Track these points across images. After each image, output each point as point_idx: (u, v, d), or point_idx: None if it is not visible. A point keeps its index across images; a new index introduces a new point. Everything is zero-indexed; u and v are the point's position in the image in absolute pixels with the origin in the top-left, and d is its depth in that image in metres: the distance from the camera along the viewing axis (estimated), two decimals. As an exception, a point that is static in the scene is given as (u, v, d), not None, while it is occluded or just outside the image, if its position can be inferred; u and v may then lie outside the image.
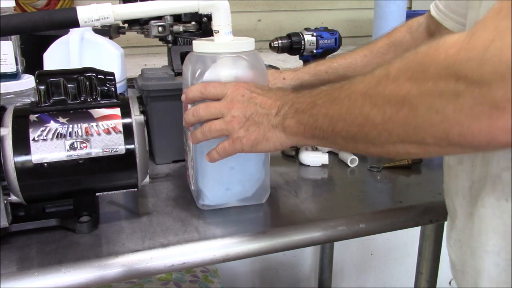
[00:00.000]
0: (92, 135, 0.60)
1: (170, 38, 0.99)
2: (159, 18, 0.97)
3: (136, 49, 1.73)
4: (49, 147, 0.59)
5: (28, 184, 0.59)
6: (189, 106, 0.66)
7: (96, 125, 0.61)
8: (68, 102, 0.62)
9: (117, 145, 0.61)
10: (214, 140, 0.65)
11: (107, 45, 0.94)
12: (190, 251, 0.61)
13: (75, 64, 0.89)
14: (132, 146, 0.62)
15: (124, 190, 0.66)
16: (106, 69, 0.65)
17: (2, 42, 0.80)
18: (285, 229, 0.65)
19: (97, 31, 0.96)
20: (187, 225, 0.66)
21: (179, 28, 0.98)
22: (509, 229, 0.49)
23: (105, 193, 0.66)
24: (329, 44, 1.16)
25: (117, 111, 0.63)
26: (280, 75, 0.91)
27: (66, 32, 0.92)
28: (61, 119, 0.60)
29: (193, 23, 1.00)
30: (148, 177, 0.66)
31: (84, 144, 0.60)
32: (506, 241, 0.49)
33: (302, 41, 1.13)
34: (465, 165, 0.55)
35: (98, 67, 0.65)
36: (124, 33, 1.05)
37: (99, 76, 0.63)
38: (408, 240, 1.60)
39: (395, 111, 0.43)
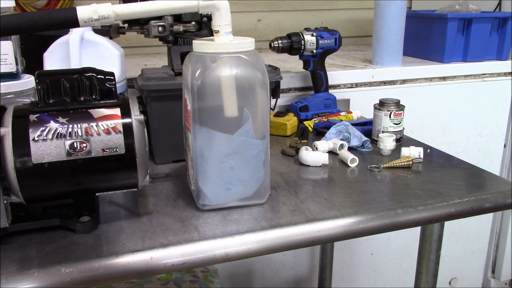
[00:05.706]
0: (92, 135, 0.60)
1: (170, 38, 0.99)
2: (159, 18, 0.97)
3: (136, 49, 1.73)
4: (49, 147, 0.59)
5: (28, 184, 0.59)
6: (189, 106, 0.66)
7: (96, 125, 0.61)
8: (68, 102, 0.62)
9: (117, 145, 0.61)
10: (214, 140, 0.64)
11: (107, 45, 0.94)
12: (190, 251, 0.61)
13: (75, 64, 0.89)
14: (132, 146, 0.62)
15: (124, 190, 0.66)
16: (106, 69, 0.65)
17: (2, 42, 0.80)
18: (285, 229, 0.65)
19: (97, 31, 0.96)
20: (187, 225, 0.66)
21: (179, 28, 0.98)
22: None
23: (105, 193, 0.66)
24: (329, 44, 1.16)
25: (117, 111, 0.63)
26: None
27: (66, 32, 0.92)
28: (61, 119, 0.60)
29: (193, 23, 1.00)
30: (148, 177, 0.66)
31: (84, 144, 0.60)
32: None
33: (302, 41, 1.13)
34: None
35: (98, 67, 0.65)
36: (124, 33, 1.04)
37: (99, 76, 0.63)
38: (408, 240, 1.60)
39: None
